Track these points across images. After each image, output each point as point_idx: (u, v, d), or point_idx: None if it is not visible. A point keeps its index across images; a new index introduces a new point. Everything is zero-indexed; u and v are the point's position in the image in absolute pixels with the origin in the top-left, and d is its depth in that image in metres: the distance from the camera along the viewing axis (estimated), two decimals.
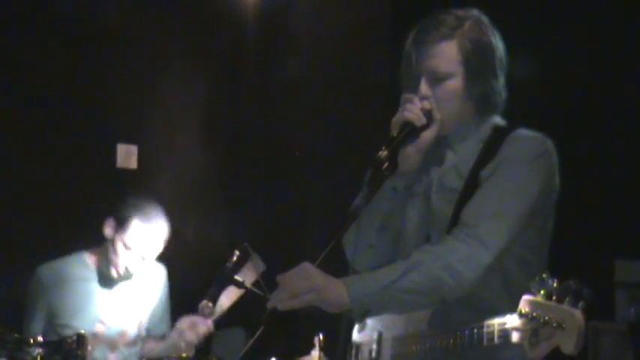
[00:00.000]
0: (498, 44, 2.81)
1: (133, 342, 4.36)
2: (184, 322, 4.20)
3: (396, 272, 2.55)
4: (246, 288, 3.91)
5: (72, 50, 5.15)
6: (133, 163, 5.35)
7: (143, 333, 4.40)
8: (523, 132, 2.78)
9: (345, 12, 5.35)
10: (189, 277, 4.77)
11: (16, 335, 3.65)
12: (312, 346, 4.07)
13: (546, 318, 2.14)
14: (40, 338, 3.66)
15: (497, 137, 2.76)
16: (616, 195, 4.21)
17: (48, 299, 4.26)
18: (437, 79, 2.74)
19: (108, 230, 4.28)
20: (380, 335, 2.90)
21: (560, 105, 4.44)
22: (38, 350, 3.58)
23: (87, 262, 4.36)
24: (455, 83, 2.74)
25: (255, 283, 3.92)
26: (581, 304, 2.15)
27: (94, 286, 4.32)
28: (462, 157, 2.80)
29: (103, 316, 4.30)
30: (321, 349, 3.97)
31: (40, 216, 4.96)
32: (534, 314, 2.17)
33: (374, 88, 5.13)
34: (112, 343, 4.30)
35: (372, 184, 2.71)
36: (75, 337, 3.68)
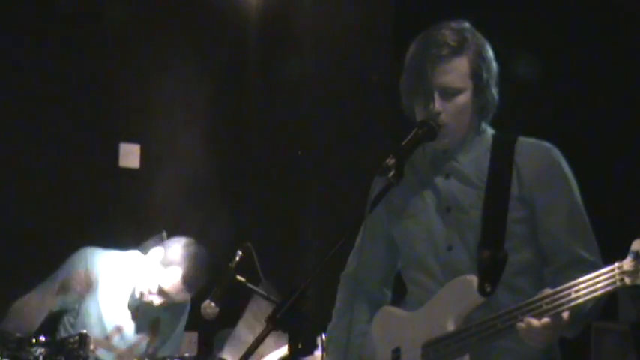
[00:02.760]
0: (492, 54, 2.88)
1: (140, 357, 4.33)
2: None
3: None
4: (248, 288, 3.91)
5: (74, 49, 5.14)
6: (135, 163, 5.35)
7: (150, 350, 4.37)
8: (531, 141, 2.88)
9: (348, 11, 5.35)
10: None
11: (18, 335, 3.64)
12: (315, 346, 4.07)
13: None
14: (42, 338, 3.65)
15: (502, 146, 2.85)
16: (619, 196, 4.21)
17: (88, 289, 4.23)
18: (449, 94, 2.79)
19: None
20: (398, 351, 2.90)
21: (563, 109, 4.44)
22: (40, 350, 3.58)
23: (131, 263, 4.34)
24: (465, 97, 2.80)
25: (258, 284, 3.93)
26: None
27: (126, 290, 4.30)
28: (470, 168, 2.85)
29: (122, 323, 4.27)
30: (325, 349, 3.97)
31: (43, 215, 4.96)
32: None
33: (376, 87, 5.13)
34: (120, 353, 4.27)
35: (378, 191, 2.71)
36: (77, 337, 3.68)
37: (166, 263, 4.21)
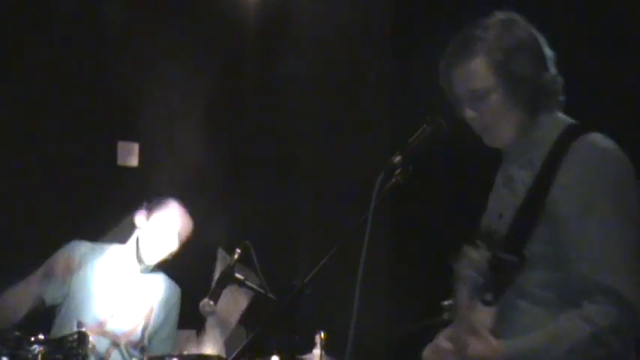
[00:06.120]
0: (534, 37, 2.68)
1: (136, 344, 4.36)
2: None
3: (544, 343, 2.45)
4: (246, 286, 3.91)
5: (72, 47, 5.14)
6: (133, 161, 5.34)
7: (146, 342, 4.40)
8: (593, 141, 2.58)
9: (347, 9, 5.34)
10: (189, 275, 4.77)
11: (17, 333, 3.64)
12: (313, 344, 4.07)
13: None
14: (41, 336, 3.65)
15: (560, 146, 2.59)
16: None
17: (68, 268, 4.30)
18: (477, 98, 2.64)
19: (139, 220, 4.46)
20: None
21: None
22: (39, 348, 3.58)
23: (118, 254, 4.44)
24: (497, 96, 2.63)
25: (257, 282, 3.93)
26: None
27: (115, 279, 4.38)
28: (522, 173, 2.66)
29: (114, 310, 4.32)
30: (323, 347, 3.97)
31: (41, 214, 4.95)
32: None
33: (375, 85, 5.12)
34: (115, 338, 4.31)
35: (383, 189, 2.66)
36: (76, 336, 3.68)
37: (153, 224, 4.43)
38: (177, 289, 4.58)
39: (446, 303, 4.04)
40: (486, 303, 2.52)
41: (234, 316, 4.42)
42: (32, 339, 3.60)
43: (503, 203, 2.69)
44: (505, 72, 2.61)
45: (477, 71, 2.63)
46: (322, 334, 3.98)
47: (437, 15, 4.15)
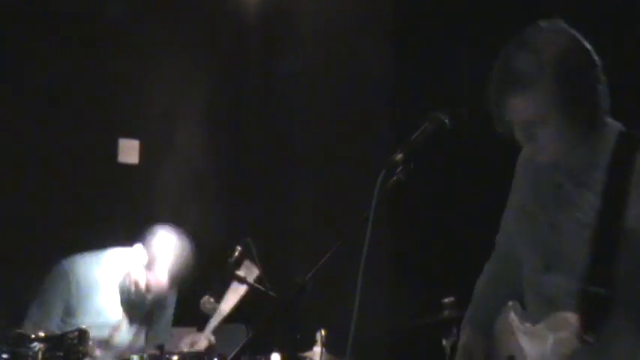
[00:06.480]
0: (584, 49, 2.58)
1: (138, 350, 4.32)
2: (185, 342, 4.17)
3: None
4: (248, 284, 3.91)
5: (73, 44, 5.14)
6: (134, 158, 5.34)
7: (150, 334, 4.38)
8: None
9: (349, 4, 5.34)
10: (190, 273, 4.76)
11: (17, 331, 3.63)
12: (314, 342, 4.07)
13: None
14: (41, 333, 3.64)
15: (622, 159, 2.54)
16: None
17: (66, 296, 4.21)
18: (531, 126, 2.57)
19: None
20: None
21: None
22: (39, 346, 3.56)
23: (116, 261, 4.30)
24: (551, 123, 2.55)
25: (257, 280, 3.93)
26: None
27: (111, 291, 4.26)
28: (591, 185, 2.60)
29: (118, 321, 4.26)
30: (324, 344, 3.96)
31: (41, 211, 4.95)
32: None
33: (377, 81, 5.12)
34: (121, 352, 4.25)
35: (384, 187, 2.63)
36: (76, 333, 3.67)
37: (152, 261, 4.20)
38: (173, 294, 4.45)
39: (446, 300, 4.04)
40: (588, 344, 2.51)
41: (227, 304, 4.33)
42: (32, 336, 3.59)
43: (557, 215, 2.65)
44: (560, 100, 2.52)
45: (528, 105, 2.54)
46: (323, 332, 3.98)
47: (438, 10, 4.15)
